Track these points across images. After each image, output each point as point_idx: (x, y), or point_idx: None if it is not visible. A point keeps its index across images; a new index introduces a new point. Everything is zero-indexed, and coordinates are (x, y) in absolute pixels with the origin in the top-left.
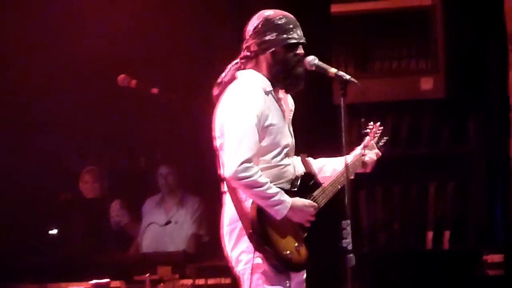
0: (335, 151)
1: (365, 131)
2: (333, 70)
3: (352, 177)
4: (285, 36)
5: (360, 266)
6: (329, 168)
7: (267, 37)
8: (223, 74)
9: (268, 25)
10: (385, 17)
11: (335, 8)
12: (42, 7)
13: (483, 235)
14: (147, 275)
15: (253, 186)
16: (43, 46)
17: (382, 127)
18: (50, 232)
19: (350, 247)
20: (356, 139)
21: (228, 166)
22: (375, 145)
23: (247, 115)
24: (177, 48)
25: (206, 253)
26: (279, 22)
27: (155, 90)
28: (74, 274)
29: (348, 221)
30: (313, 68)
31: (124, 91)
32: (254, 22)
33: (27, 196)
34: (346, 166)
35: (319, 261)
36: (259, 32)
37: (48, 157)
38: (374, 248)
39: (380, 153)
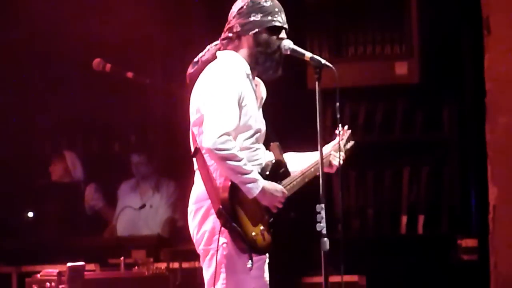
0: (310, 135)
1: (335, 132)
2: (308, 54)
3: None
4: (270, 18)
5: (333, 251)
6: (298, 162)
7: (251, 18)
8: (201, 54)
9: (253, 6)
10: (359, 2)
11: None
12: None
13: (457, 220)
14: (121, 258)
15: (230, 159)
16: (15, 28)
17: (349, 131)
18: (27, 215)
19: (324, 231)
20: (331, 124)
21: (207, 136)
22: (342, 147)
23: (229, 90)
24: (153, 33)
25: (181, 237)
26: (265, 5)
27: (130, 74)
28: (48, 257)
29: (322, 205)
30: (288, 52)
31: (99, 74)
32: (239, 3)
33: (1, 181)
34: (321, 151)
35: (292, 246)
36: (243, 13)
37: (23, 142)
38: (348, 233)
39: (345, 157)
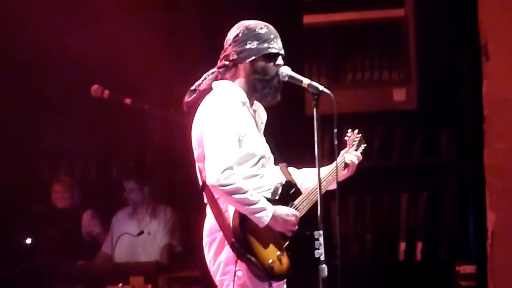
0: (308, 162)
1: (345, 138)
2: (306, 81)
3: (335, 186)
4: (266, 45)
5: (332, 277)
6: (311, 178)
7: (248, 46)
8: (198, 82)
9: (248, 34)
10: (357, 28)
11: (307, 19)
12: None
13: (456, 246)
14: (120, 285)
15: (235, 192)
16: (14, 52)
17: (360, 135)
18: (26, 241)
19: (322, 257)
20: (329, 150)
21: (210, 173)
22: (353, 151)
23: (226, 124)
24: (150, 60)
25: (179, 263)
26: (260, 32)
27: (128, 101)
28: (46, 283)
29: (321, 232)
30: (286, 79)
31: (98, 101)
32: (234, 31)
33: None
34: (319, 177)
35: (293, 271)
36: (239, 40)
37: (21, 168)
38: (346, 259)
39: (361, 157)
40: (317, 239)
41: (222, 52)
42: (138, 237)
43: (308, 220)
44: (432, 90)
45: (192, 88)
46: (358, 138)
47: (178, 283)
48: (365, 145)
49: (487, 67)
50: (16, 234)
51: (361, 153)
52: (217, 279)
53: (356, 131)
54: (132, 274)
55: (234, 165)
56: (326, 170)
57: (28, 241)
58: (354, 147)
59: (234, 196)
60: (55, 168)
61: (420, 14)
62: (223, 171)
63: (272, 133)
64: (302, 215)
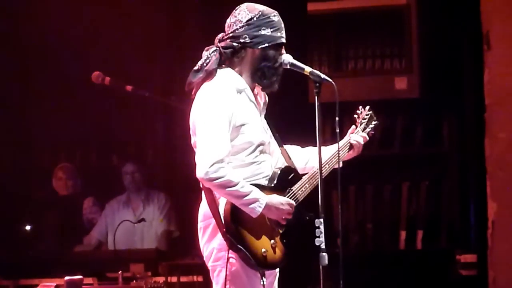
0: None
1: (354, 116)
2: (308, 69)
3: (341, 165)
4: (279, 34)
5: (332, 266)
6: (316, 156)
7: (262, 32)
8: (201, 62)
9: (263, 20)
10: (359, 16)
11: (311, 7)
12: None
13: (456, 235)
14: (119, 272)
15: (226, 186)
16: (10, 47)
17: (370, 112)
18: (25, 228)
19: (323, 245)
20: (331, 138)
21: (199, 167)
22: (361, 131)
23: (217, 117)
24: (150, 46)
25: (179, 251)
26: (274, 19)
27: (129, 88)
28: (46, 271)
29: (321, 220)
30: (288, 67)
31: (99, 88)
32: (247, 13)
33: (0, 194)
34: (320, 164)
35: (292, 259)
36: (253, 25)
37: (22, 154)
38: (347, 247)
39: (368, 138)
40: (318, 227)
41: (229, 32)
42: (134, 225)
43: (308, 205)
44: (433, 79)
45: (196, 68)
46: (369, 115)
47: (179, 270)
48: (376, 122)
49: (489, 56)
50: (17, 221)
51: (371, 129)
52: (209, 264)
53: (367, 107)
54: (132, 261)
55: (225, 158)
56: (330, 150)
57: (28, 227)
58: (363, 125)
59: (224, 189)
60: (56, 155)
61: (422, 2)
62: (212, 164)
63: (275, 121)
64: (302, 199)
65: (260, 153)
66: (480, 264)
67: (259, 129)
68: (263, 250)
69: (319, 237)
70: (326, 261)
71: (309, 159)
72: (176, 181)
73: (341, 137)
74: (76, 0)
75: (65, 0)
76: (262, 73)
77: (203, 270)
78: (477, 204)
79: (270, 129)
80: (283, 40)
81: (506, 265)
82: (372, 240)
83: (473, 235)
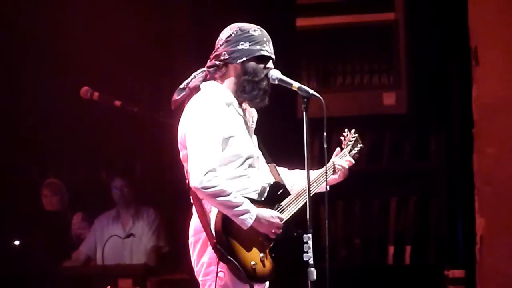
0: (298, 164)
1: (340, 137)
2: (296, 84)
3: (328, 188)
4: (258, 47)
5: (320, 281)
6: (302, 180)
7: (240, 47)
8: (187, 81)
9: (241, 35)
10: (348, 31)
11: (300, 22)
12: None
13: (445, 250)
14: (108, 287)
15: (218, 195)
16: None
17: (356, 135)
18: (14, 243)
19: (311, 260)
20: (319, 153)
21: (193, 176)
22: (347, 153)
23: (208, 127)
24: (140, 62)
25: (167, 266)
26: (253, 34)
27: (117, 103)
28: (35, 286)
29: (309, 235)
30: (276, 82)
31: (87, 103)
32: (227, 32)
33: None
34: (308, 181)
35: (280, 273)
36: (232, 41)
37: (10, 169)
38: (335, 262)
39: (353, 161)
40: (306, 242)
41: (213, 52)
42: (123, 240)
43: (296, 222)
44: (422, 94)
45: (181, 86)
46: (354, 138)
47: (167, 285)
48: (361, 145)
49: (477, 72)
50: (5, 236)
51: (356, 153)
52: (199, 279)
53: (353, 130)
54: (121, 276)
55: (217, 167)
56: (317, 173)
57: (16, 243)
58: (349, 147)
59: (217, 198)
60: (45, 170)
61: (411, 18)
62: (206, 173)
63: (263, 136)
64: (290, 216)
65: (248, 167)
66: (468, 279)
67: (247, 142)
68: (252, 262)
69: (307, 252)
70: (315, 276)
71: (295, 183)
72: (164, 196)
73: (329, 153)
74: (64, 15)
75: (54, 14)
76: (243, 87)
77: (191, 285)
78: (465, 219)
79: (259, 145)
80: (263, 53)
81: (494, 280)
82: (360, 255)
83: (461, 250)
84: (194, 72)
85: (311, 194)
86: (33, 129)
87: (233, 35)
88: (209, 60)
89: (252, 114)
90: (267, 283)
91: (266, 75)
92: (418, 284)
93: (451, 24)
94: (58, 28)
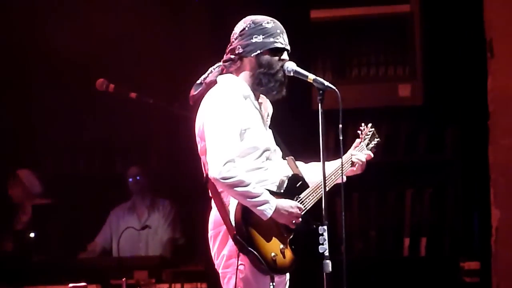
0: (313, 157)
1: (357, 131)
2: (311, 76)
3: (344, 179)
4: (272, 39)
5: (336, 273)
6: (319, 172)
7: (254, 40)
8: (203, 76)
9: (255, 28)
10: (363, 23)
11: (314, 14)
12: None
13: (460, 242)
14: (123, 279)
15: (238, 185)
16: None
17: (373, 129)
18: (30, 235)
19: (326, 252)
20: (334, 145)
21: (212, 166)
22: (365, 147)
23: (227, 117)
24: (155, 54)
25: (183, 257)
26: (267, 26)
27: (133, 95)
28: (51, 278)
29: (325, 227)
30: (291, 74)
31: (102, 95)
32: (241, 25)
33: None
34: (324, 173)
35: (300, 265)
36: (245, 34)
37: (25, 161)
38: (351, 254)
39: (372, 155)
40: (322, 234)
41: (228, 46)
42: (139, 232)
43: (315, 214)
44: (437, 86)
45: (198, 81)
46: (371, 132)
47: (182, 277)
48: (378, 139)
49: (492, 64)
50: (21, 228)
51: (374, 146)
52: (220, 271)
53: (370, 125)
54: (136, 268)
55: (236, 158)
56: (334, 165)
57: (32, 234)
58: (366, 141)
59: (236, 189)
60: (59, 162)
61: (426, 10)
62: (225, 163)
63: (278, 128)
64: (308, 208)
65: (266, 159)
66: (484, 271)
67: (264, 135)
68: (272, 254)
69: (322, 244)
70: (330, 268)
71: (311, 177)
72: (180, 189)
73: (344, 145)
74: (82, 9)
75: (72, 8)
76: (259, 80)
77: (206, 277)
78: (481, 211)
79: (276, 139)
80: (278, 45)
81: (509, 272)
82: (376, 247)
83: (476, 242)
84: (211, 66)
85: (329, 186)
86: (48, 120)
87: (246, 28)
88: (225, 54)
89: (268, 109)
90: (287, 274)
91: (282, 66)
92: (433, 276)
93: (466, 16)
94: (74, 21)
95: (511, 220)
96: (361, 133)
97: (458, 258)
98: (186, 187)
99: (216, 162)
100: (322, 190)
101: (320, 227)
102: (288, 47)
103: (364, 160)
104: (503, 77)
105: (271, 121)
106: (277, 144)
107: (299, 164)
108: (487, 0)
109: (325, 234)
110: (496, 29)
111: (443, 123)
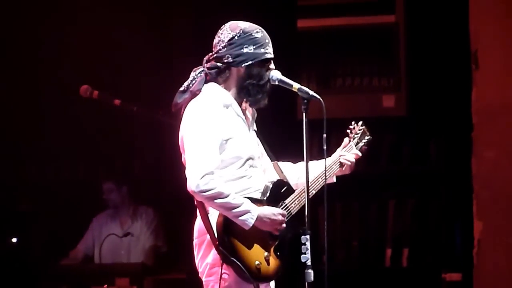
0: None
1: (347, 130)
2: (296, 85)
3: (334, 180)
4: (262, 50)
5: (318, 283)
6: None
7: (244, 50)
8: (186, 83)
9: (245, 37)
10: (348, 33)
11: (301, 23)
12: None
13: (442, 253)
14: (105, 286)
15: (217, 197)
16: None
17: (363, 127)
18: (12, 240)
19: (309, 262)
20: (318, 155)
21: (190, 179)
22: (354, 146)
23: (205, 130)
24: (138, 61)
25: (164, 265)
26: (257, 36)
27: (117, 102)
28: (32, 284)
29: (307, 236)
30: (276, 83)
31: (86, 101)
32: (229, 33)
33: None
34: (307, 181)
35: (284, 271)
36: (235, 44)
37: (9, 167)
38: (333, 264)
39: (360, 154)
40: (304, 244)
41: (214, 52)
42: (121, 239)
43: (301, 219)
44: (421, 97)
45: (181, 89)
46: (362, 130)
47: (164, 285)
48: (369, 137)
49: (477, 75)
50: (3, 233)
51: (364, 145)
52: (203, 279)
53: (360, 122)
54: (118, 275)
55: (214, 170)
56: (322, 165)
57: (14, 240)
58: (356, 140)
59: (216, 201)
60: (43, 168)
61: (411, 21)
62: (203, 176)
63: (263, 137)
64: (294, 213)
65: (249, 167)
66: (466, 282)
67: (247, 143)
68: (256, 262)
69: (305, 253)
70: (312, 278)
71: (300, 177)
72: (163, 197)
73: (329, 154)
74: (67, 14)
75: (57, 13)
76: (247, 90)
77: (188, 285)
78: (463, 222)
79: (262, 143)
80: (268, 56)
81: (491, 284)
82: (358, 257)
83: (459, 253)
84: (192, 71)
85: (318, 189)
86: (31, 127)
87: (236, 37)
88: (207, 60)
89: (252, 112)
90: (272, 282)
91: (268, 76)
92: (415, 286)
93: (451, 27)
94: (61, 26)
95: (493, 232)
96: (351, 132)
97: (440, 269)
98: (169, 194)
99: (194, 175)
100: (304, 197)
101: (302, 236)
102: (272, 55)
103: (353, 160)
104: (487, 89)
105: (257, 126)
106: (264, 148)
107: (287, 165)
108: (473, 11)
109: (308, 243)
110: (481, 41)
111: (427, 134)
